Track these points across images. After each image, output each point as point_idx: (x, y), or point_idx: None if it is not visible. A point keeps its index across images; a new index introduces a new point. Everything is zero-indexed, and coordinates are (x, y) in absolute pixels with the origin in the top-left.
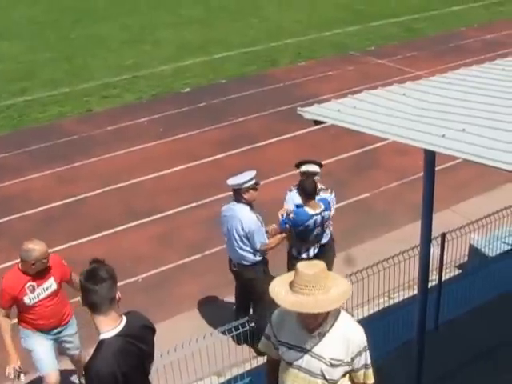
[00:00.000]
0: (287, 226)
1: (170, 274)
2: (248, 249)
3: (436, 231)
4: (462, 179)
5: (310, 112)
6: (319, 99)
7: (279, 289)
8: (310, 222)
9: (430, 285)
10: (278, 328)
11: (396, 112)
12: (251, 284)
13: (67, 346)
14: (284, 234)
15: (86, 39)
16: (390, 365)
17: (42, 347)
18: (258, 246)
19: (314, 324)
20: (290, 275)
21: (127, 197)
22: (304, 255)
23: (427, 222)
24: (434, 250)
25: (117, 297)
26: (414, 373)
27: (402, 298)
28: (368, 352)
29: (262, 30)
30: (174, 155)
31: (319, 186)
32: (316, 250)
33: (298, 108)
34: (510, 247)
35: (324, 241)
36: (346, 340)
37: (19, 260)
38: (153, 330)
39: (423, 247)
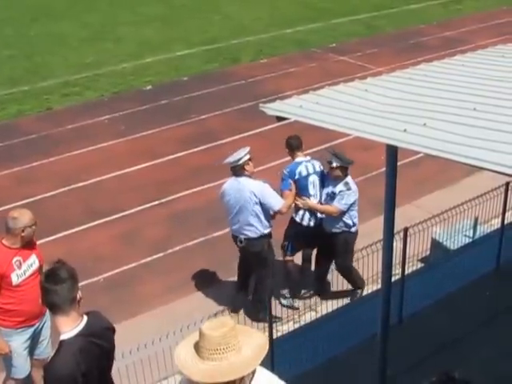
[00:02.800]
0: (290, 181)
1: (132, 273)
2: (258, 221)
3: (398, 225)
4: (424, 174)
5: (273, 108)
6: (281, 96)
7: (185, 356)
8: (301, 167)
9: (393, 279)
10: None
11: (358, 107)
12: (257, 257)
13: (40, 348)
14: (292, 190)
15: (45, 37)
16: (354, 358)
17: (20, 351)
18: (278, 207)
19: None
20: (194, 337)
21: (88, 196)
22: (306, 221)
23: (389, 216)
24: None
25: (78, 297)
26: (378, 366)
27: (365, 293)
28: None
29: (223, 27)
30: (136, 153)
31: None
32: (317, 218)
33: (261, 105)
34: (471, 240)
35: (333, 230)
36: None
37: (3, 236)
38: (113, 330)
39: (386, 241)
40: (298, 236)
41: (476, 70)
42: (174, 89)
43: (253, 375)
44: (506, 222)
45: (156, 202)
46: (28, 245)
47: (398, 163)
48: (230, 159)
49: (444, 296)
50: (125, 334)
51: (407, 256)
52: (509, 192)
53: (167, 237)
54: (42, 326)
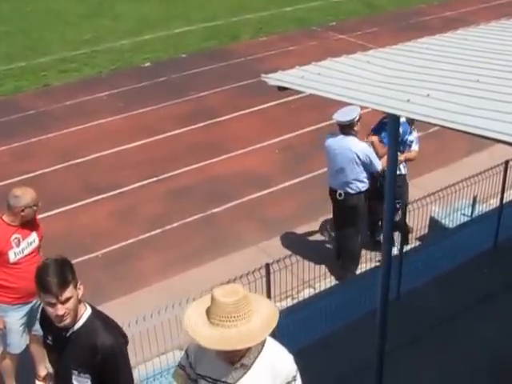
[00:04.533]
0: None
1: (130, 250)
2: (358, 179)
3: None
4: (423, 153)
5: (274, 78)
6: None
7: (195, 319)
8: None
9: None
10: (196, 359)
11: (360, 78)
12: (353, 210)
13: (37, 324)
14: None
15: (42, 13)
16: (352, 335)
17: (15, 327)
18: (379, 167)
19: (237, 356)
20: (205, 301)
21: (86, 172)
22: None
23: (390, 192)
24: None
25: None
26: (376, 342)
27: (363, 270)
28: (298, 380)
29: (222, 4)
30: (134, 130)
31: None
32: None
33: (262, 75)
34: (468, 218)
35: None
36: (273, 372)
37: (3, 212)
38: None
39: (387, 218)
40: (401, 189)
41: (479, 44)
42: (172, 66)
43: (262, 346)
44: (504, 200)
45: (154, 179)
46: (29, 223)
47: None
48: (341, 118)
49: (442, 273)
50: (122, 309)
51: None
52: (508, 170)
53: (165, 213)
54: (40, 303)
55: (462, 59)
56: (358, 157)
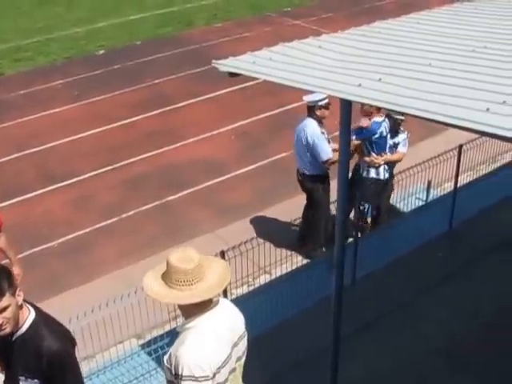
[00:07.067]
0: (353, 138)
1: (87, 238)
2: (310, 160)
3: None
4: None
5: (225, 64)
6: None
7: (158, 288)
8: (382, 127)
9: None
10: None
11: (311, 63)
12: (310, 193)
13: None
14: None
15: None
16: (308, 320)
17: None
18: (323, 158)
19: None
20: (162, 268)
21: (41, 162)
22: (382, 175)
23: (343, 176)
24: None
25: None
26: (332, 327)
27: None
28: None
29: None
30: (90, 118)
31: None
32: (388, 172)
33: (213, 61)
34: (423, 203)
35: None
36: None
37: None
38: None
39: (340, 202)
40: (376, 193)
41: (431, 28)
42: (127, 53)
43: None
44: (458, 184)
45: (109, 167)
46: None
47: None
48: (308, 98)
49: (398, 257)
50: (80, 298)
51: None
52: (462, 155)
53: (121, 201)
54: None
55: (415, 43)
56: (307, 138)
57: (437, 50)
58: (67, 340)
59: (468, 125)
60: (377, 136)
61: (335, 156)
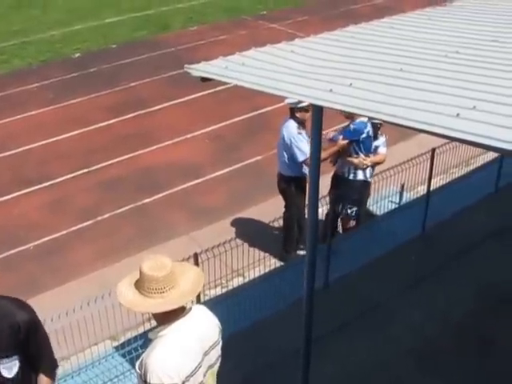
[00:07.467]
0: (340, 137)
1: (62, 241)
2: (286, 161)
3: (324, 191)
4: None
5: (197, 69)
6: None
7: (132, 297)
8: (368, 127)
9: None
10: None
11: (283, 68)
12: (284, 194)
13: None
14: (333, 149)
15: None
16: (281, 322)
17: None
18: (299, 159)
19: None
20: (135, 276)
21: (16, 165)
22: (369, 177)
23: (314, 180)
24: None
25: None
26: (303, 329)
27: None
28: None
29: None
30: (65, 121)
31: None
32: (371, 172)
33: (186, 65)
34: (396, 206)
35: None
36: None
37: None
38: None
39: (311, 206)
40: (365, 195)
41: (403, 32)
42: (102, 56)
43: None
44: (431, 187)
45: (85, 170)
46: None
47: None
48: (289, 100)
49: (370, 260)
50: (55, 301)
51: None
52: (435, 158)
53: (97, 204)
54: None
55: (387, 47)
56: (285, 139)
57: (409, 55)
58: (30, 308)
59: (438, 130)
60: (364, 136)
61: (331, 151)
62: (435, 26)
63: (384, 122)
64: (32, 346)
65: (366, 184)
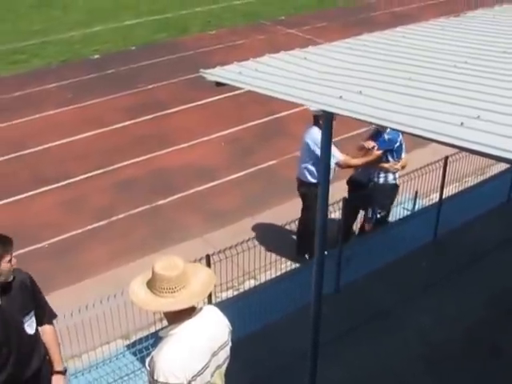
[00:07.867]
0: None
1: (77, 240)
2: (309, 169)
3: (338, 196)
4: None
5: (212, 74)
6: None
7: (144, 296)
8: (401, 136)
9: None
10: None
11: (296, 75)
12: (303, 199)
13: None
14: (369, 158)
15: None
16: (291, 325)
17: None
18: (336, 160)
19: None
20: (147, 275)
21: (34, 163)
22: (392, 180)
23: (324, 185)
24: None
25: None
26: (311, 333)
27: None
28: None
29: None
30: (83, 121)
31: None
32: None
33: (201, 70)
34: (409, 212)
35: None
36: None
37: None
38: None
39: (320, 210)
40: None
41: (415, 42)
42: (121, 58)
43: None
44: (444, 195)
45: (101, 170)
46: None
47: (342, 137)
48: (313, 108)
49: (382, 266)
50: (69, 299)
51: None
52: (448, 166)
53: (112, 204)
54: None
55: (397, 56)
56: (308, 145)
57: (418, 64)
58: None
59: (442, 139)
60: (397, 144)
61: (356, 160)
62: (447, 36)
63: (393, 130)
64: (37, 298)
65: (396, 187)
